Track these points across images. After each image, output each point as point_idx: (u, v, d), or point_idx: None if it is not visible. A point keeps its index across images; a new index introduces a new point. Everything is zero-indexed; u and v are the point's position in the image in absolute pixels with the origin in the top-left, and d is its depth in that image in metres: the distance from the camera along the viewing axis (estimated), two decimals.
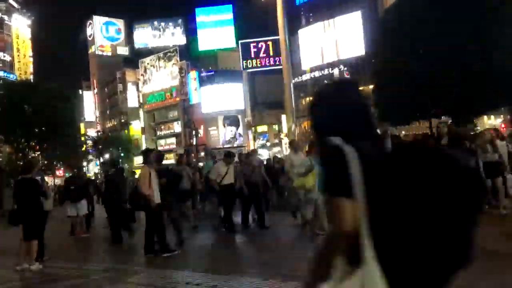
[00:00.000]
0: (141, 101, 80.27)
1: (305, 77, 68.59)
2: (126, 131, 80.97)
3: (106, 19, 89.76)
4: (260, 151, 77.65)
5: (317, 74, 66.77)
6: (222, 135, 70.97)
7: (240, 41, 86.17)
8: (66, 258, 7.80)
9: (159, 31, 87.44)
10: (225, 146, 70.00)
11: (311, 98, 1.66)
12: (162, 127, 78.13)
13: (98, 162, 68.22)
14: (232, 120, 71.33)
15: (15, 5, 61.19)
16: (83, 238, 10.39)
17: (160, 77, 75.84)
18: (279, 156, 32.99)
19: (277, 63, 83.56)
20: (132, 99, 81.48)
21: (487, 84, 16.91)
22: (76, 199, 10.42)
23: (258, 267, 5.59)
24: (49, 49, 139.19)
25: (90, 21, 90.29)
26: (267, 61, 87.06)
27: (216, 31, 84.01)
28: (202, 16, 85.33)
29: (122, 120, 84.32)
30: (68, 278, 6.02)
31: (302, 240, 7.20)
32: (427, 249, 1.27)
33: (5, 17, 57.44)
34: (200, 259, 6.48)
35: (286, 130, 76.65)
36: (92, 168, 74.52)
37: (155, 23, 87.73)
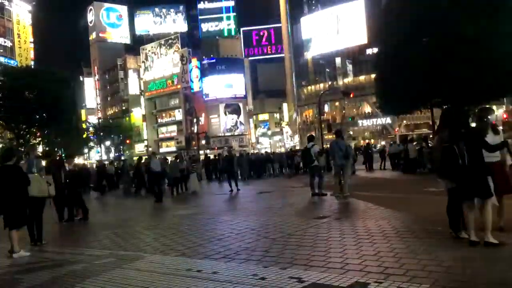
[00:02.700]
0: (142, 88, 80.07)
1: (307, 65, 68.20)
2: (127, 118, 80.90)
3: (107, 5, 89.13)
4: (260, 139, 77.82)
5: (319, 62, 66.40)
6: (223, 123, 70.93)
7: (241, 29, 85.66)
8: (69, 244, 7.86)
9: (160, 17, 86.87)
10: (226, 134, 70.05)
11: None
12: (163, 114, 78.10)
13: (99, 149, 68.24)
14: (233, 108, 71.24)
15: None
16: (87, 222, 10.72)
17: (161, 64, 75.56)
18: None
19: (278, 51, 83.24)
20: (133, 86, 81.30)
21: (489, 74, 16.83)
22: None
23: (259, 255, 5.62)
24: (50, 35, 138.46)
25: (91, 7, 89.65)
26: (268, 49, 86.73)
27: (218, 18, 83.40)
28: (204, 3, 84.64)
29: (123, 107, 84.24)
30: (68, 263, 6.06)
31: (304, 228, 7.24)
32: None
33: (5, 2, 56.99)
34: (200, 246, 6.52)
35: (287, 118, 76.64)
36: (93, 155, 74.53)
37: (157, 9, 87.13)
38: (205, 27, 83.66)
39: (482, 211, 5.10)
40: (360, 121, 63.13)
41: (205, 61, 72.12)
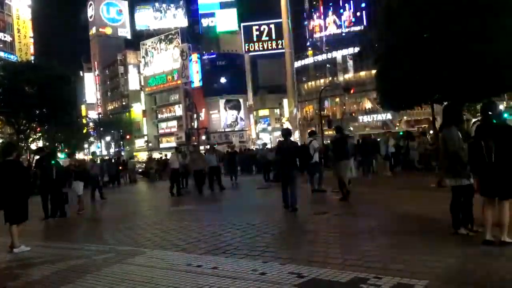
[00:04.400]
0: (142, 83, 79.94)
1: (308, 61, 68.01)
2: (127, 113, 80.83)
3: None
4: (261, 135, 77.77)
5: (319, 58, 66.21)
6: (223, 118, 70.79)
7: (242, 24, 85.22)
8: (70, 239, 7.88)
9: (160, 12, 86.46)
10: (226, 129, 69.98)
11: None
12: (163, 110, 77.96)
13: (99, 144, 68.30)
14: (233, 103, 71.10)
15: None
16: (90, 217, 10.78)
17: (162, 59, 75.35)
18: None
19: (279, 46, 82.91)
20: (133, 82, 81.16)
21: (490, 70, 16.78)
22: None
23: (259, 250, 5.63)
24: (50, 30, 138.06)
25: (91, 2, 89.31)
26: (269, 45, 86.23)
27: (219, 13, 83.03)
28: None
29: (123, 103, 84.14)
30: (68, 258, 6.07)
31: (304, 224, 7.25)
32: None
33: None
34: (200, 241, 6.53)
35: (288, 114, 76.63)
36: (93, 150, 74.56)
37: (157, 4, 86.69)
38: (205, 22, 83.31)
39: (499, 209, 4.96)
40: (360, 117, 63.00)
41: (205, 57, 71.90)
